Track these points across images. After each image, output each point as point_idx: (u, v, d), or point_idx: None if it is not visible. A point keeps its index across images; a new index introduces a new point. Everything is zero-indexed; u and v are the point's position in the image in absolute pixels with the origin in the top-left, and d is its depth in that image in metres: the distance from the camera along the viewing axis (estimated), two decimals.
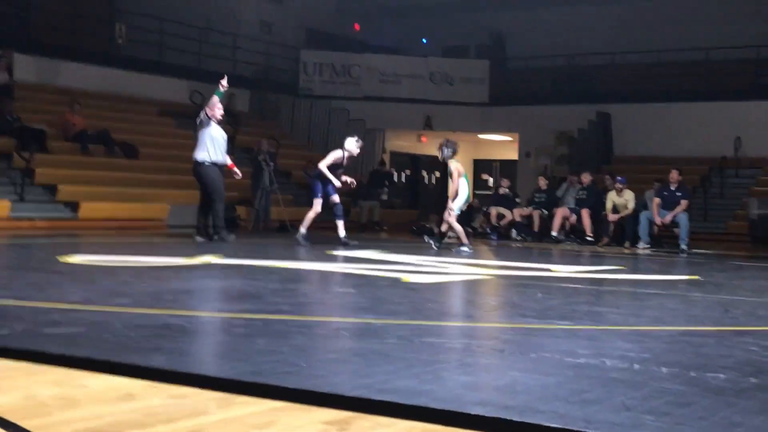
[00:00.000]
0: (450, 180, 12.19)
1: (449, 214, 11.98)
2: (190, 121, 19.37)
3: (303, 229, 12.31)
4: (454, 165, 12.12)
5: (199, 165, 11.91)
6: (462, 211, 12.13)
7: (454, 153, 12.20)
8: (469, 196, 12.33)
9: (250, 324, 4.58)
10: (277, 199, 16.41)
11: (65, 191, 14.76)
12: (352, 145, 12.62)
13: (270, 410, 2.94)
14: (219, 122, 12.04)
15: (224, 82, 11.94)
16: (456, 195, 11.95)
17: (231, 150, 19.28)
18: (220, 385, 3.19)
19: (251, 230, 15.86)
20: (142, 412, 2.86)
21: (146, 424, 2.71)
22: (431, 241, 12.31)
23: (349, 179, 12.85)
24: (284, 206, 16.44)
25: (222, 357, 3.61)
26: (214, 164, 11.93)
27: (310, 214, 12.40)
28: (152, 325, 4.43)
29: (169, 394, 3.11)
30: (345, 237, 12.28)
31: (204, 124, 11.91)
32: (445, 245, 12.33)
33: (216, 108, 11.93)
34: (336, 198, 12.50)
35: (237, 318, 4.77)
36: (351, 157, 12.77)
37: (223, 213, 12.25)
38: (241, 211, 16.94)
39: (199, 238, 12.01)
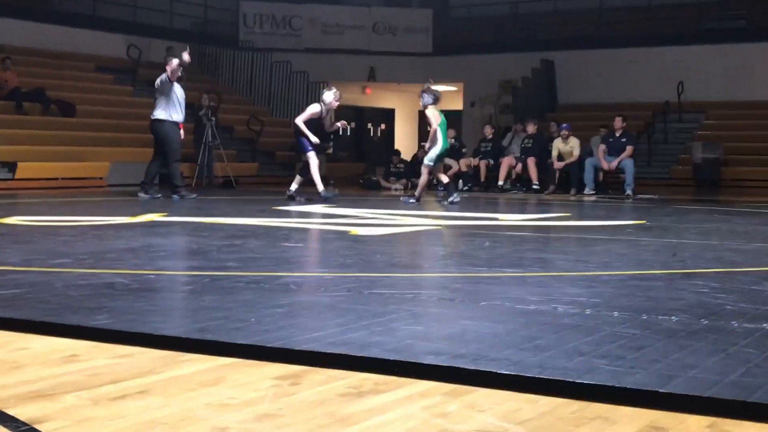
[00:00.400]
0: (429, 129, 11.97)
1: (425, 164, 11.83)
2: (128, 77, 19.09)
3: (320, 188, 12.06)
4: (432, 113, 11.86)
5: (160, 123, 11.87)
6: (435, 161, 11.79)
7: (436, 100, 11.90)
8: (446, 145, 12.02)
9: (196, 281, 4.51)
10: (220, 154, 16.22)
11: (1, 151, 14.42)
12: (330, 97, 12.30)
13: (219, 367, 2.89)
14: (179, 81, 12.02)
15: (186, 55, 12.03)
16: (433, 144, 11.75)
17: None
18: (166, 344, 3.13)
19: (194, 187, 15.67)
20: (87, 373, 2.79)
21: (92, 385, 2.65)
22: (452, 197, 11.81)
23: (341, 123, 12.63)
24: (227, 162, 16.25)
25: (168, 315, 3.54)
26: (175, 123, 11.89)
27: (314, 170, 12.14)
28: (95, 284, 4.34)
29: (115, 354, 3.04)
30: (294, 191, 12.10)
31: (165, 84, 11.83)
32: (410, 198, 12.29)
33: (178, 68, 11.90)
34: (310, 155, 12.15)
35: (182, 275, 4.70)
36: (330, 110, 12.49)
37: (179, 171, 12.19)
38: (183, 168, 16.71)
39: (143, 195, 11.84)
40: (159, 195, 11.97)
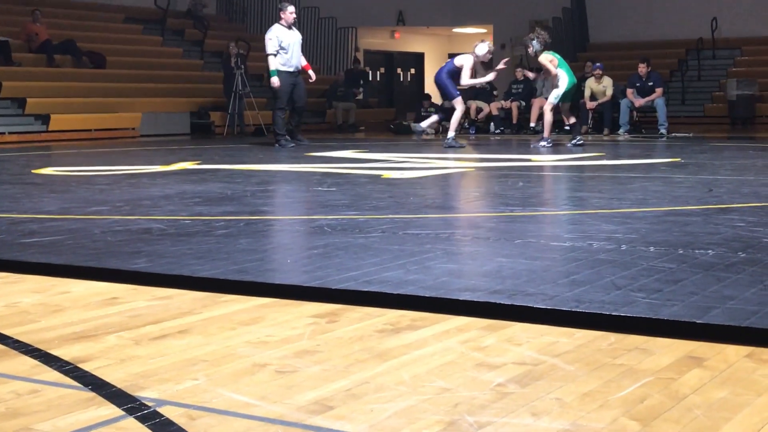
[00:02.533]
0: (543, 76, 11.57)
1: (550, 102, 11.66)
2: (157, 27, 19.06)
3: (452, 132, 11.79)
4: (546, 58, 11.57)
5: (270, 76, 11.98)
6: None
7: (545, 46, 11.55)
8: (573, 81, 11.71)
9: (231, 225, 4.54)
10: (251, 102, 16.20)
11: (34, 104, 14.49)
12: (483, 49, 11.93)
13: (257, 307, 2.92)
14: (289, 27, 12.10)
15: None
16: (555, 86, 11.54)
17: (201, 55, 19.00)
18: (204, 285, 3.16)
19: (226, 135, 15.70)
20: (128, 315, 2.83)
21: (132, 326, 2.69)
22: (574, 140, 11.67)
23: (501, 65, 11.99)
24: (258, 110, 16.25)
25: (205, 258, 3.57)
26: (287, 73, 11.95)
27: (456, 116, 11.87)
28: (132, 230, 4.38)
29: (154, 296, 3.08)
30: (450, 138, 11.69)
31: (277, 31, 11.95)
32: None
33: (287, 12, 12.08)
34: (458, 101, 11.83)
35: (217, 219, 4.73)
36: (482, 63, 12.04)
37: (282, 120, 12.21)
38: (215, 117, 16.75)
39: (277, 146, 11.96)
40: (292, 144, 11.99)
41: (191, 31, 19.48)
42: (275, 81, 11.81)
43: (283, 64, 11.89)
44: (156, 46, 18.63)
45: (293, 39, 12.02)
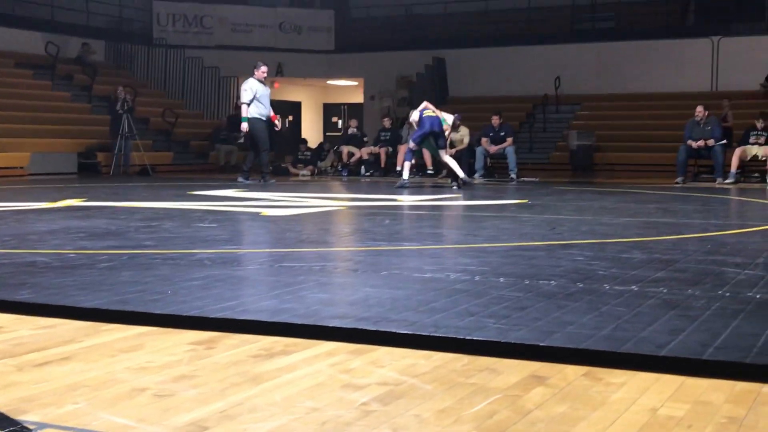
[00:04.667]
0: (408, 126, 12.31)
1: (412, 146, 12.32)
2: (47, 72, 18.48)
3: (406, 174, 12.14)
4: (414, 115, 12.38)
5: (251, 120, 12.75)
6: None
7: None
8: (430, 127, 12.11)
9: (114, 258, 4.41)
10: (137, 144, 15.86)
11: None
12: (449, 119, 12.95)
13: (137, 335, 2.84)
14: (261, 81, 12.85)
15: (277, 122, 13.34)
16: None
17: (89, 99, 18.50)
18: (87, 315, 3.06)
19: (112, 175, 15.30)
20: (12, 343, 2.71)
21: (16, 353, 2.57)
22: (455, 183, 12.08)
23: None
24: (144, 151, 15.91)
25: (88, 289, 3.46)
26: (262, 120, 12.79)
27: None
28: (17, 263, 4.21)
29: (38, 325, 2.95)
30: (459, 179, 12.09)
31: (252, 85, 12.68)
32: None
33: (260, 71, 12.91)
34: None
35: (101, 253, 4.59)
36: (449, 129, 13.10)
37: (266, 161, 13.17)
38: (101, 157, 16.31)
39: (242, 181, 12.66)
40: (252, 181, 12.61)
41: (80, 76, 18.98)
42: (245, 126, 12.66)
43: (260, 114, 12.69)
44: (46, 90, 18.06)
45: (265, 92, 12.85)
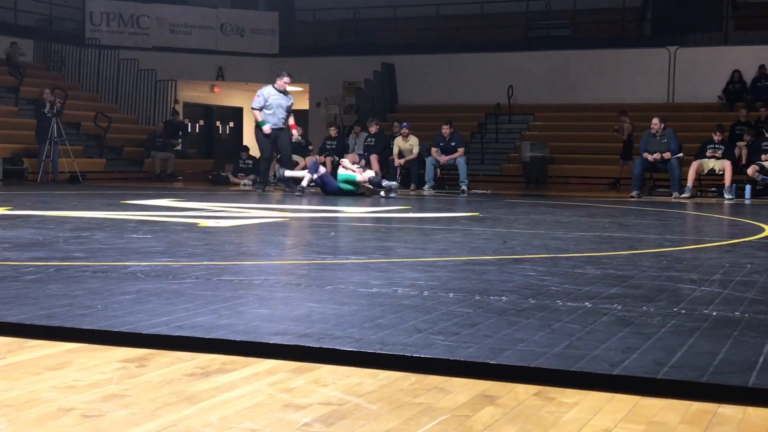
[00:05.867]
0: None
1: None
2: None
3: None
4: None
5: (255, 127, 13.89)
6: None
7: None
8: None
9: (41, 270, 4.33)
10: (66, 150, 15.63)
11: None
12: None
13: (65, 352, 2.79)
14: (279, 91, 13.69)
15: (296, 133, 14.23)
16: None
17: (16, 102, 18.18)
18: (10, 330, 2.99)
19: (39, 182, 15.05)
20: None
21: None
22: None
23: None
24: (74, 157, 15.68)
25: (12, 302, 3.39)
26: (259, 128, 13.65)
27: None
28: None
29: None
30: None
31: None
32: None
33: (281, 80, 13.72)
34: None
35: (26, 265, 4.50)
36: None
37: (265, 168, 14.08)
38: (28, 163, 16.04)
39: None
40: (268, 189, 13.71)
41: (6, 77, 18.66)
42: (267, 128, 13.46)
43: (267, 121, 13.48)
44: None
45: (280, 102, 13.55)
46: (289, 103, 13.74)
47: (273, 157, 14.15)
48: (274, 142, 13.64)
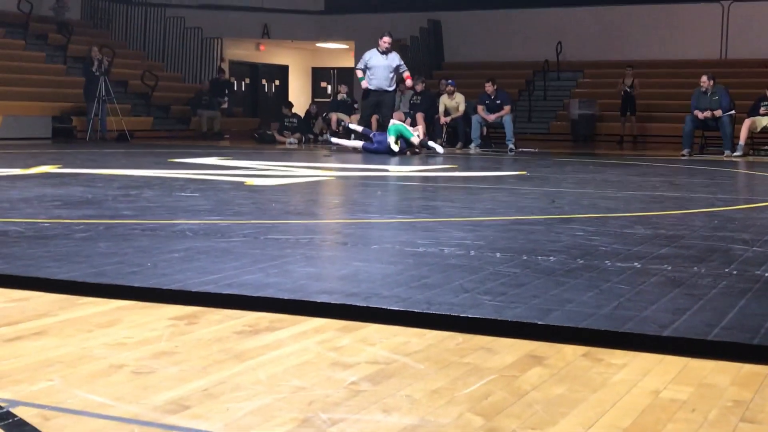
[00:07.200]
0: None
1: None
2: (20, 31, 18.34)
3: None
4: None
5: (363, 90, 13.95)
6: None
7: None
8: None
9: (91, 228, 4.40)
10: (114, 108, 15.77)
11: None
12: None
13: (115, 309, 2.84)
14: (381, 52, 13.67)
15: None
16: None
17: (64, 60, 18.35)
18: (62, 288, 3.05)
19: (88, 140, 15.24)
20: None
21: None
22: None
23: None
24: (122, 116, 15.83)
25: (63, 260, 3.45)
26: (371, 90, 13.61)
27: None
28: None
29: (10, 298, 2.95)
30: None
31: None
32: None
33: (381, 40, 13.67)
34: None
35: (77, 223, 4.57)
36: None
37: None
38: (77, 122, 16.22)
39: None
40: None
41: (54, 35, 18.82)
42: (365, 83, 13.56)
43: (369, 84, 13.54)
44: (18, 50, 17.92)
45: (381, 63, 13.51)
46: (394, 64, 13.65)
47: (369, 124, 14.11)
48: (376, 106, 13.67)
